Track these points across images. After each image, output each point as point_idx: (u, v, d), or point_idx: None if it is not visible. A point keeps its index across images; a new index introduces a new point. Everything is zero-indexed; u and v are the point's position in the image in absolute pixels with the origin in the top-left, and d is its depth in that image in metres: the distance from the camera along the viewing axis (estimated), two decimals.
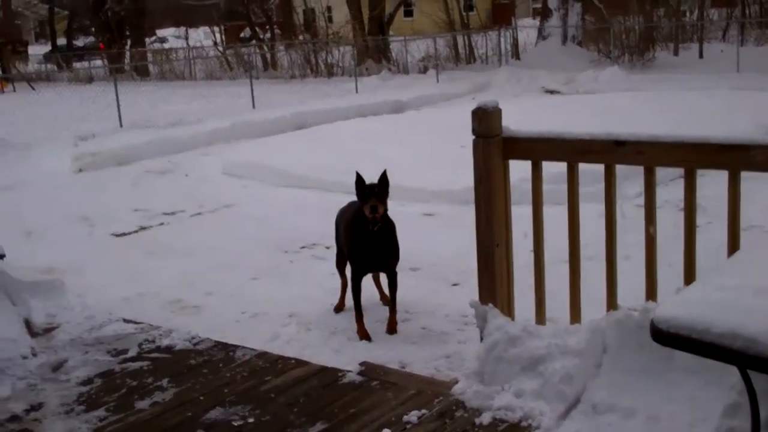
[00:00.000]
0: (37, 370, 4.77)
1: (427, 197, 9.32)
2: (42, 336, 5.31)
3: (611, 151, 3.83)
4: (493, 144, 4.08)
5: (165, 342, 5.09)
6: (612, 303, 3.98)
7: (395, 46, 31.62)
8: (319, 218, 8.87)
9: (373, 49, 30.64)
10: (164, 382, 4.51)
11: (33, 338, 5.25)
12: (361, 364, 4.60)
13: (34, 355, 4.99)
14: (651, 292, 3.86)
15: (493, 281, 4.21)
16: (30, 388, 4.55)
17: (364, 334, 5.33)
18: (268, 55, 34.04)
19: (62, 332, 5.34)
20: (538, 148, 4.08)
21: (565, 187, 4.18)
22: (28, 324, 5.45)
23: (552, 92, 20.81)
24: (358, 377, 4.37)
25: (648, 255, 3.85)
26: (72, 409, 4.25)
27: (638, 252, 4.27)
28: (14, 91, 31.30)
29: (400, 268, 6.99)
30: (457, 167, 9.37)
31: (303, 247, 7.84)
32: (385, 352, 5.04)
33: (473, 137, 4.11)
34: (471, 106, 4.21)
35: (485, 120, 4.06)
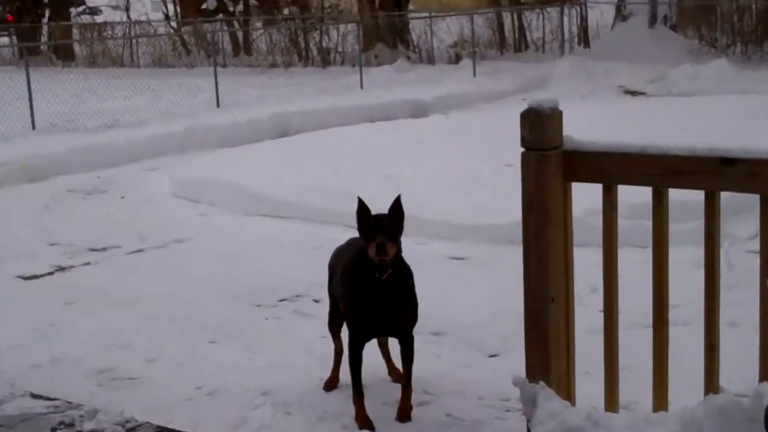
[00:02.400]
0: None
1: (457, 234, 9.37)
2: None
3: (716, 173, 3.84)
4: (551, 160, 4.10)
5: (88, 426, 5.09)
6: (712, 384, 3.97)
7: (417, 26, 31.83)
8: (306, 260, 8.93)
9: (386, 30, 30.78)
10: None
11: None
12: None
13: None
14: (767, 372, 3.86)
15: (547, 350, 4.21)
16: None
17: (365, 421, 5.34)
18: (240, 35, 34.29)
19: None
20: (613, 167, 4.09)
21: (648, 223, 4.20)
22: None
23: (634, 93, 20.92)
24: None
25: (764, 320, 3.85)
26: None
27: (750, 315, 4.29)
28: None
29: (418, 332, 6.99)
30: (498, 193, 9.44)
31: (282, 300, 7.88)
32: None
33: (522, 150, 4.14)
34: (520, 109, 4.22)
35: (539, 126, 4.08)
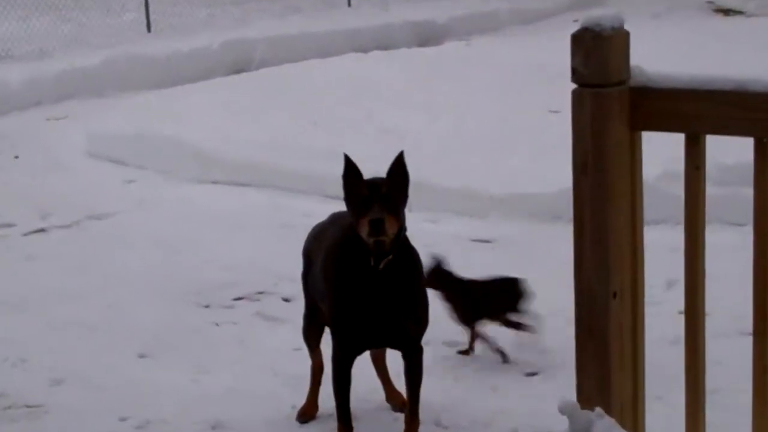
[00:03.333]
0: None
1: (482, 208, 9.40)
2: None
3: None
4: (613, 100, 4.07)
5: None
6: None
7: None
8: (272, 244, 8.96)
9: None
10: None
11: None
12: None
13: None
14: None
15: (607, 366, 4.20)
16: None
17: None
18: None
19: None
20: (700, 110, 4.07)
21: (746, 192, 4.18)
22: None
23: (727, 12, 20.88)
24: None
25: None
26: None
27: None
28: None
29: (428, 342, 7.00)
30: (540, 152, 9.44)
31: (240, 299, 7.92)
32: None
33: (573, 87, 4.12)
34: (570, 32, 4.19)
35: (598, 53, 4.05)
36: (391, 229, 5.15)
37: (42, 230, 9.85)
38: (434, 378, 6.38)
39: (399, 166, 5.38)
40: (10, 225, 10.02)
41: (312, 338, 5.98)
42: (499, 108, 11.77)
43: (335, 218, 5.95)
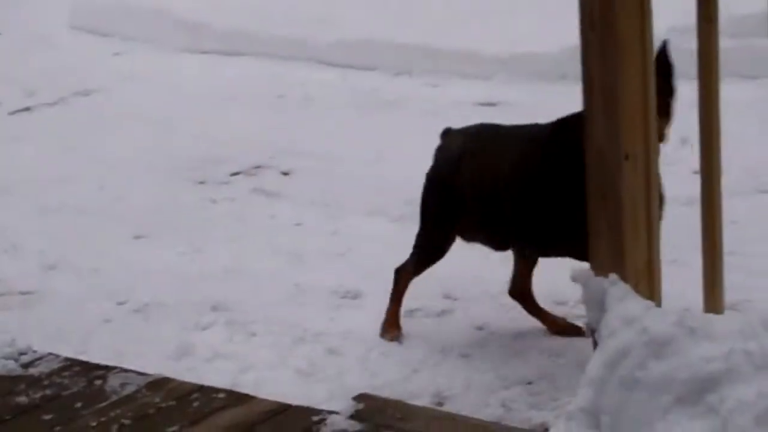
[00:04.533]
0: None
1: (485, 70, 9.37)
2: None
3: None
4: None
5: None
6: None
7: None
8: (268, 115, 8.95)
9: None
10: None
11: None
12: (358, 398, 4.65)
13: None
14: None
15: (620, 230, 4.21)
16: None
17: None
18: None
19: None
20: None
21: (762, 43, 4.18)
22: None
23: None
24: (353, 423, 4.42)
25: None
26: None
27: None
28: None
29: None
30: (542, 9, 9.39)
31: (237, 174, 7.94)
32: (404, 376, 5.14)
33: None
34: None
35: None
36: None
37: (27, 109, 9.84)
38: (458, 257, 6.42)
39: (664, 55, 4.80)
40: None
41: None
42: None
43: (499, 130, 5.72)
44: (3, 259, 6.81)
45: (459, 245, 6.45)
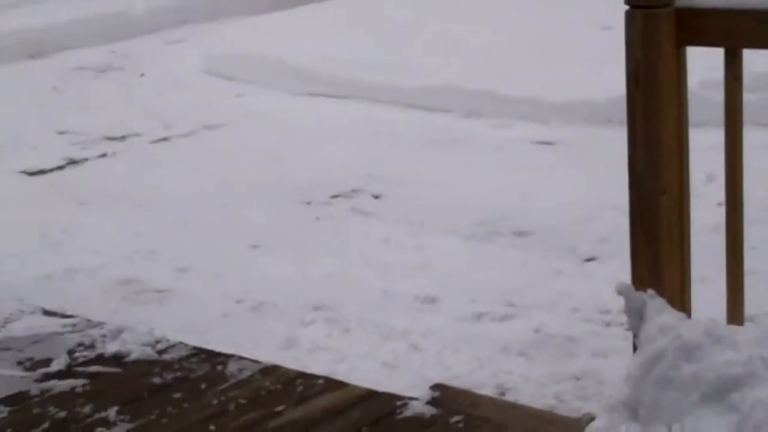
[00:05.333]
0: None
1: (544, 114, 9.27)
2: None
3: None
4: (662, 19, 4.01)
5: (112, 348, 5.15)
6: None
7: None
8: (363, 148, 8.93)
9: None
10: (111, 412, 4.56)
11: None
12: (434, 387, 4.61)
13: None
14: None
15: (657, 252, 4.16)
16: None
17: None
18: None
19: None
20: (739, 26, 3.99)
21: None
22: None
23: None
24: (429, 408, 4.38)
25: None
26: None
27: None
28: None
29: (498, 233, 7.01)
30: (595, 64, 9.33)
31: (336, 196, 7.88)
32: (472, 370, 5.09)
33: (626, 8, 4.07)
34: None
35: None
36: None
37: (165, 139, 9.87)
38: (504, 264, 6.38)
39: None
40: (138, 134, 10.03)
41: None
42: (556, 23, 11.61)
43: None
44: (143, 263, 6.83)
45: (520, 260, 6.44)
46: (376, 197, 7.75)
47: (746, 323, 4.19)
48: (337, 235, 7.13)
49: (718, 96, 4.17)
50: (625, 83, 4.15)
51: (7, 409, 4.68)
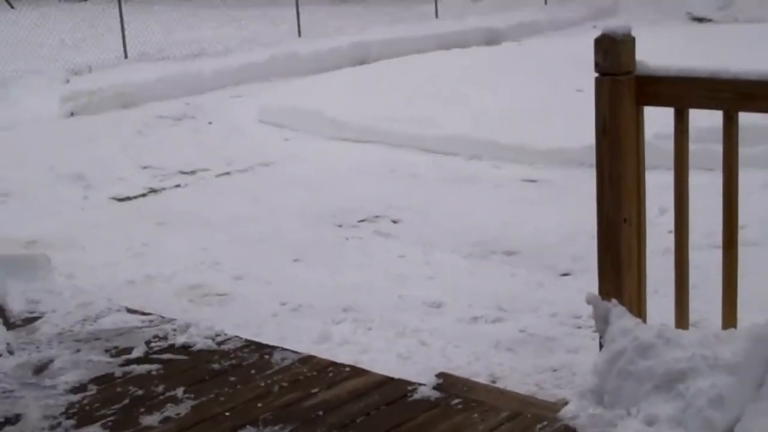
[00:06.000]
0: (14, 373, 4.86)
1: (531, 158, 9.29)
2: (21, 328, 5.41)
3: None
4: (623, 84, 4.02)
5: (181, 339, 5.15)
6: None
7: None
8: (384, 183, 8.95)
9: None
10: (179, 392, 4.56)
11: (9, 331, 5.35)
12: (439, 375, 4.59)
13: (11, 352, 5.09)
14: None
15: (619, 270, 4.16)
16: (5, 395, 4.64)
17: None
18: None
19: (47, 324, 5.43)
20: (685, 91, 4.00)
21: (717, 147, 4.11)
22: (2, 312, 5.57)
23: (701, 20, 20.50)
24: (434, 393, 4.36)
25: None
26: (59, 424, 4.33)
27: None
28: None
29: (492, 252, 6.99)
30: (571, 119, 9.35)
31: (363, 221, 7.88)
32: (469, 362, 5.06)
33: (596, 75, 4.07)
34: (591, 36, 4.17)
35: (613, 52, 4.00)
36: None
37: (227, 173, 9.90)
38: (496, 277, 6.36)
39: None
40: (205, 170, 10.08)
41: None
42: (541, 88, 11.66)
43: None
44: (208, 272, 6.84)
45: (510, 274, 6.42)
46: (395, 222, 7.74)
47: (690, 328, 4.19)
48: (362, 251, 7.13)
49: (669, 145, 4.19)
50: (594, 134, 4.17)
51: (96, 387, 4.68)
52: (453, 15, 22.44)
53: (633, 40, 4.06)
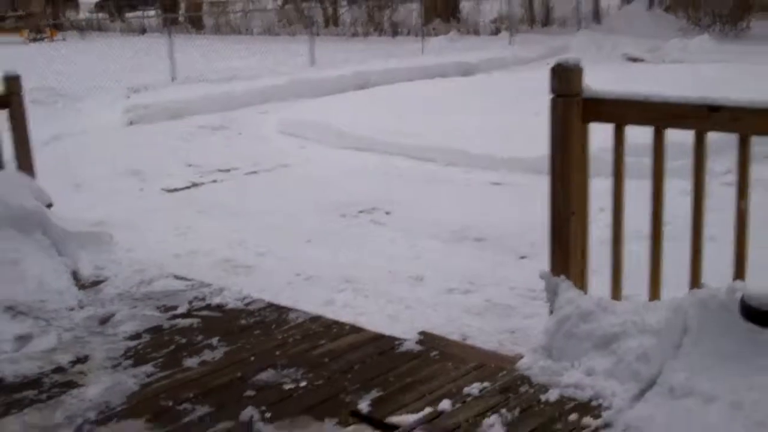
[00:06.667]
0: (84, 323, 4.88)
1: (496, 165, 9.27)
2: (89, 288, 5.43)
3: (704, 117, 3.76)
4: (573, 104, 4.04)
5: (216, 300, 5.17)
6: (696, 281, 3.91)
7: (465, 5, 31.38)
8: (379, 182, 8.94)
9: (442, 8, 30.43)
10: (214, 340, 4.58)
11: (80, 290, 5.37)
12: (420, 333, 4.61)
13: (81, 307, 5.11)
14: (740, 271, 3.79)
15: (567, 252, 4.18)
16: (76, 340, 4.66)
17: None
18: (330, 11, 34.03)
19: (110, 286, 5.46)
20: (623, 111, 4.02)
21: (647, 161, 4.11)
22: (75, 276, 5.58)
23: (635, 60, 20.48)
24: (417, 346, 4.38)
25: (738, 231, 3.78)
26: (119, 363, 4.35)
27: (723, 233, 4.22)
28: (64, 40, 31.86)
29: (465, 237, 6.98)
30: (530, 135, 9.30)
31: (361, 212, 7.86)
32: (445, 323, 5.07)
33: (551, 96, 4.08)
34: (546, 70, 4.17)
35: (565, 78, 4.02)
36: None
37: (254, 172, 9.89)
38: (466, 258, 6.36)
39: None
40: (237, 169, 10.07)
41: None
42: (506, 110, 11.66)
43: None
44: (238, 249, 6.84)
45: (478, 256, 6.42)
46: (387, 213, 7.73)
47: (623, 300, 4.20)
48: (360, 236, 7.13)
49: (609, 157, 4.18)
50: (548, 145, 4.17)
51: (148, 336, 4.71)
52: (435, 52, 22.45)
53: (581, 69, 4.09)
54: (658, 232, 4.06)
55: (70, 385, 4.14)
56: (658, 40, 22.65)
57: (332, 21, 33.87)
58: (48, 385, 4.14)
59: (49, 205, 6.03)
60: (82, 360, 4.41)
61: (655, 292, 4.05)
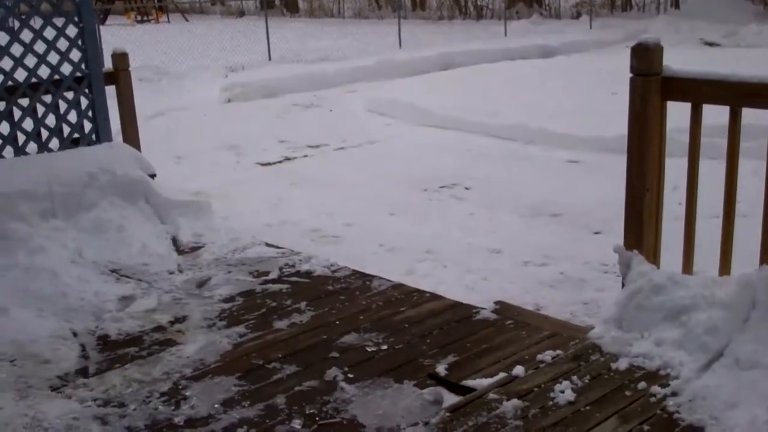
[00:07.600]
0: (183, 286, 4.99)
1: (574, 143, 9.14)
2: (188, 254, 5.53)
3: None
4: (652, 83, 3.94)
5: (304, 267, 5.22)
6: (766, 257, 3.79)
7: None
8: (460, 159, 8.89)
9: None
10: (302, 304, 4.63)
11: (179, 255, 5.48)
12: (496, 302, 4.59)
13: (180, 271, 5.22)
14: None
15: (641, 227, 4.09)
16: (175, 301, 4.76)
17: None
18: None
19: (207, 252, 5.55)
20: (700, 90, 3.90)
21: (722, 141, 4.00)
22: (175, 242, 5.69)
23: (711, 44, 19.91)
24: (492, 315, 4.37)
25: None
26: (213, 324, 4.43)
27: None
28: (168, 21, 32.40)
29: (540, 213, 6.91)
30: (607, 115, 9.19)
31: (442, 187, 7.83)
32: (520, 294, 5.04)
33: (631, 75, 3.99)
34: (624, 53, 4.09)
35: (645, 57, 3.92)
36: None
37: (342, 148, 9.91)
38: (543, 232, 6.28)
39: None
40: (326, 145, 10.11)
41: None
42: (584, 91, 11.48)
43: None
44: (326, 220, 6.89)
45: (553, 231, 6.34)
46: (467, 188, 7.69)
47: (694, 274, 4.11)
48: (441, 210, 7.10)
49: (684, 138, 4.07)
50: (626, 124, 4.08)
51: (242, 299, 4.78)
52: (518, 35, 22.14)
53: (661, 48, 3.99)
54: (731, 209, 3.94)
55: (169, 343, 4.23)
56: (735, 25, 21.97)
57: (419, 5, 33.69)
58: (148, 343, 4.25)
59: (153, 176, 6.15)
60: (180, 320, 4.51)
61: (725, 267, 3.95)
